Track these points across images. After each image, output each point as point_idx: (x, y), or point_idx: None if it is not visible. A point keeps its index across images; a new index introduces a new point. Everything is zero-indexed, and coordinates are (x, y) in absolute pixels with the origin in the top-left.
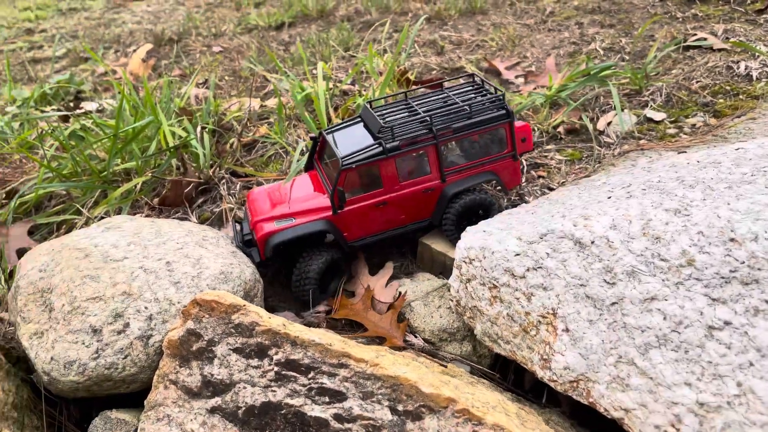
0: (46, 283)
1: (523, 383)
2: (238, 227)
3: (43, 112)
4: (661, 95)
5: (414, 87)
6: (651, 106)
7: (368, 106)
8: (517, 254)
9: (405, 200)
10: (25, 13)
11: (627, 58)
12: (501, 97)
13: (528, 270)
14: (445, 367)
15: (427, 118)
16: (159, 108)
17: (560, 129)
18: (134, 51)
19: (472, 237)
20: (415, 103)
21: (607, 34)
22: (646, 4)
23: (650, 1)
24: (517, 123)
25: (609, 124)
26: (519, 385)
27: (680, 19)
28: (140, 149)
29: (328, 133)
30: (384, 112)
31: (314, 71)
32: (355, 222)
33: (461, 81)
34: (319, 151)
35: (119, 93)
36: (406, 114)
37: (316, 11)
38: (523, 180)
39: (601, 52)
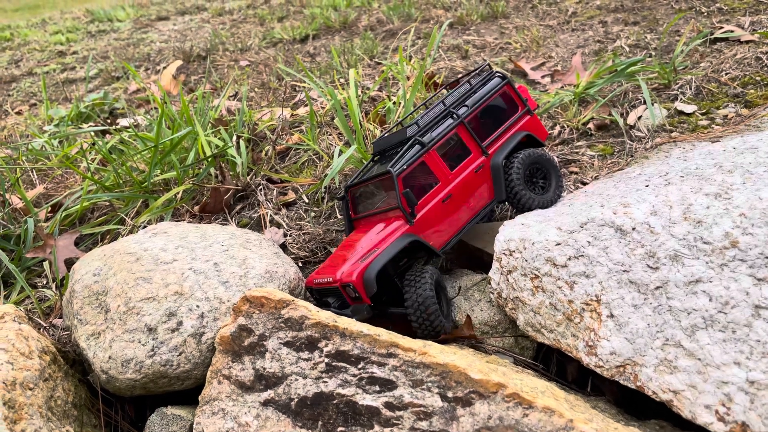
0: (100, 286)
1: (566, 374)
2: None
3: (80, 128)
4: (690, 88)
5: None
6: (681, 99)
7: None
8: (558, 243)
9: (465, 186)
10: (56, 36)
11: (653, 53)
12: (488, 66)
13: (569, 259)
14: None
15: (442, 105)
16: (195, 119)
17: (590, 125)
18: (164, 68)
19: (511, 229)
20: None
21: (632, 31)
22: (669, 0)
23: None
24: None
25: (639, 118)
26: (562, 376)
27: (705, 14)
28: (179, 159)
29: (352, 185)
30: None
31: (342, 79)
32: (433, 225)
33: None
34: (353, 208)
35: (155, 108)
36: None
37: (339, 23)
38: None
39: (627, 49)
